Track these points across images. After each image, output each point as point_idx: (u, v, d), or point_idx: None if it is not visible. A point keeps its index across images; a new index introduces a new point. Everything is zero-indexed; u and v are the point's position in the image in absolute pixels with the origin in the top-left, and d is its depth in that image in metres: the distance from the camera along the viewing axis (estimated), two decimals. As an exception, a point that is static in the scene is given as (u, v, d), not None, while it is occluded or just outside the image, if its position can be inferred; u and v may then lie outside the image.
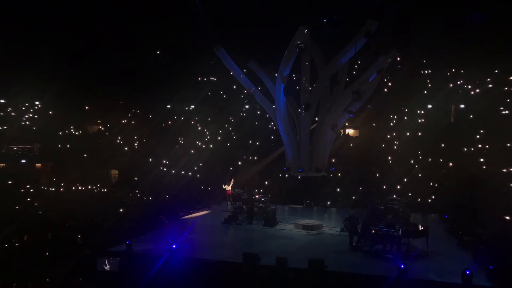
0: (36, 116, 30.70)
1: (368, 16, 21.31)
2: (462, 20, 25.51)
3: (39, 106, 31.15)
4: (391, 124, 29.32)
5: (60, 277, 15.71)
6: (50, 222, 19.58)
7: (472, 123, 26.61)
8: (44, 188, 26.16)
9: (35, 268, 16.03)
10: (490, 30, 25.15)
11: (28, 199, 23.41)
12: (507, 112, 24.71)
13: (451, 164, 25.66)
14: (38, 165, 30.07)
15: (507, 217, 18.75)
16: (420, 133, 27.79)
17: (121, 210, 21.60)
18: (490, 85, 26.51)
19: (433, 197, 24.39)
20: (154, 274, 14.87)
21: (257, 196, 23.23)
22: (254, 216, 22.18)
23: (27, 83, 27.36)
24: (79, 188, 26.36)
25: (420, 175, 25.56)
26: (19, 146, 28.95)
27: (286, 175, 25.41)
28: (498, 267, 13.81)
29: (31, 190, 25.12)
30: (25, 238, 18.11)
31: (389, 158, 27.20)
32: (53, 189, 25.90)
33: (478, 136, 25.34)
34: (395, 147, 27.92)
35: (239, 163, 29.08)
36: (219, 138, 30.84)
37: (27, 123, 30.20)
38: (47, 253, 16.91)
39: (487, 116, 25.39)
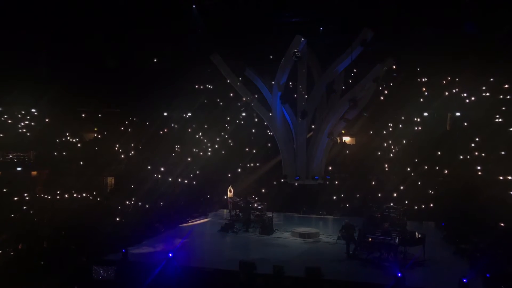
0: (32, 124, 30.63)
1: (364, 25, 21.49)
2: (457, 29, 25.73)
3: (35, 113, 31.09)
4: (387, 132, 29.42)
5: (56, 285, 15.59)
6: (45, 230, 19.44)
7: (467, 131, 26.73)
8: (39, 196, 26.00)
9: (30, 277, 15.91)
10: (485, 39, 25.38)
11: (24, 207, 23.26)
12: (502, 120, 24.85)
13: (447, 172, 25.71)
14: (34, 172, 29.91)
15: (503, 224, 18.79)
16: (416, 141, 27.88)
17: (117, 218, 21.48)
18: (486, 93, 26.69)
19: (430, 205, 24.39)
20: (150, 283, 14.76)
21: (255, 204, 23.20)
22: (250, 224, 22.13)
23: (23, 91, 27.31)
24: (75, 196, 26.20)
25: (416, 183, 25.59)
26: (15, 154, 28.81)
27: (285, 181, 25.38)
28: (495, 275, 13.80)
29: (27, 198, 24.94)
30: (20, 246, 17.99)
31: (386, 165, 27.23)
32: (48, 197, 25.73)
33: (473, 144, 25.44)
34: (392, 155, 27.98)
35: (239, 170, 29.03)
36: (216, 145, 30.82)
37: (23, 130, 30.10)
38: (42, 262, 16.77)
39: (483, 124, 25.52)
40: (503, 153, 23.56)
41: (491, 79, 26.36)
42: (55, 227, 19.81)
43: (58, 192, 26.20)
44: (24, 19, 26.30)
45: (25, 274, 15.95)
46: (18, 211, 22.48)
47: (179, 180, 28.06)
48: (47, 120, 30.89)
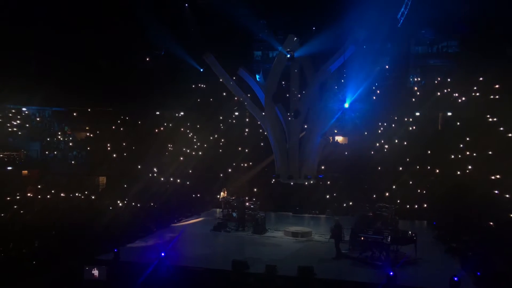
0: (23, 123, 30.38)
1: (356, 25, 21.56)
2: (449, 29, 25.90)
3: (26, 112, 30.84)
4: (380, 131, 29.55)
5: (47, 286, 15.48)
6: (36, 230, 19.30)
7: (459, 130, 26.93)
8: (30, 195, 25.79)
9: (21, 277, 15.78)
10: (476, 39, 25.58)
11: (15, 207, 23.08)
12: (493, 119, 25.05)
13: (438, 171, 25.87)
14: (25, 172, 29.67)
15: (493, 223, 18.94)
16: (408, 141, 28.02)
17: (109, 218, 21.35)
18: (477, 93, 26.91)
19: (422, 204, 24.52)
20: (142, 283, 14.69)
21: (246, 203, 23.16)
22: (243, 223, 22.10)
23: (15, 89, 27.06)
24: (66, 195, 26.02)
25: (408, 182, 25.72)
26: (5, 153, 28.54)
27: (277, 180, 25.39)
28: (485, 274, 13.92)
29: (18, 198, 24.74)
30: (10, 246, 17.84)
31: (378, 165, 27.31)
32: (39, 197, 25.54)
33: (464, 144, 25.62)
34: (383, 155, 28.08)
35: (229, 170, 28.98)
36: (209, 145, 30.76)
37: (14, 129, 29.85)
38: (33, 262, 16.64)
39: (474, 124, 25.72)
40: (493, 152, 23.76)
41: (481, 78, 26.61)
42: (46, 227, 19.66)
43: (49, 191, 26.01)
44: (15, 18, 26.10)
45: (15, 275, 15.81)
46: (9, 211, 22.29)
47: (172, 179, 27.96)
48: (38, 119, 30.67)
